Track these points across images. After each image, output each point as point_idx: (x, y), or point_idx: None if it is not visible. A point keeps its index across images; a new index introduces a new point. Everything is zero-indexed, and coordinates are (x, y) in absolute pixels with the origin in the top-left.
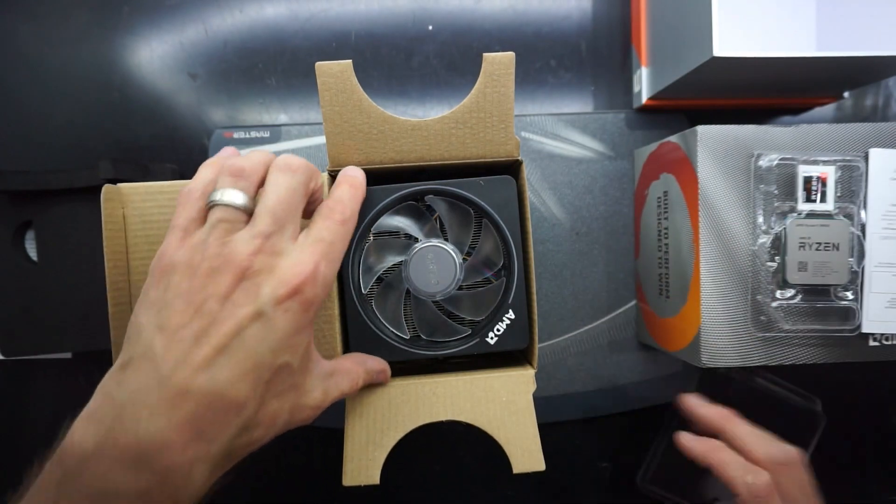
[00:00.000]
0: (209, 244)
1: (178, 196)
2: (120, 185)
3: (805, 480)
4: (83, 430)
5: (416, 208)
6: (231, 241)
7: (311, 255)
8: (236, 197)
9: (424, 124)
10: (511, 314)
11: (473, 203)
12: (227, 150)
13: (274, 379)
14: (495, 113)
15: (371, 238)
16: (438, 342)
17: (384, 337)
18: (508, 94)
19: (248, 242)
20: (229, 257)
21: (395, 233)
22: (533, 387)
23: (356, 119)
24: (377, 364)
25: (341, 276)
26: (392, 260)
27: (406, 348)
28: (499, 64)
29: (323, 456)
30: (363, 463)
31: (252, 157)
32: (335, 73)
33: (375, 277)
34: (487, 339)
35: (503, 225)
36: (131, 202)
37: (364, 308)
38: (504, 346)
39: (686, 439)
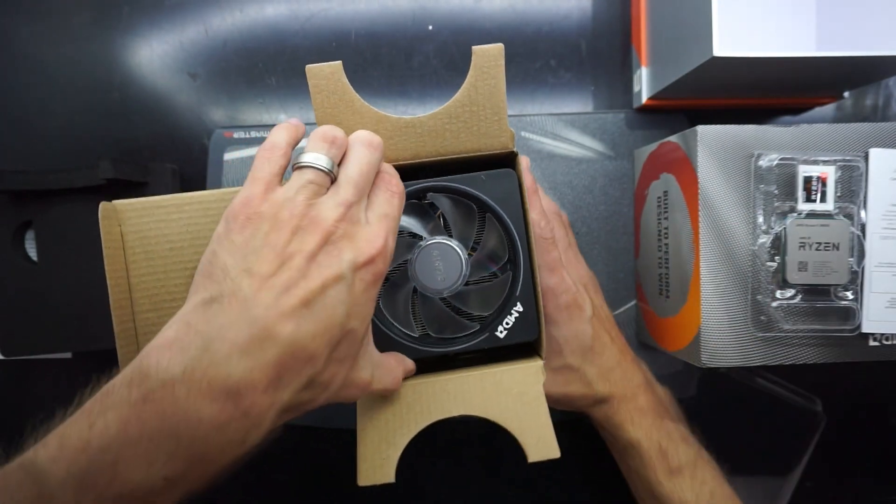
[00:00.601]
0: (297, 202)
1: (260, 150)
2: (115, 202)
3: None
4: (167, 357)
5: (420, 206)
6: (318, 204)
7: (381, 228)
8: (327, 162)
9: (418, 121)
10: (519, 307)
11: (476, 198)
12: (295, 121)
13: (342, 342)
14: (488, 105)
15: None
16: (448, 339)
17: (394, 336)
18: (499, 86)
19: (334, 209)
20: (316, 220)
21: (399, 232)
22: (543, 377)
23: (349, 119)
24: (411, 365)
25: None
26: (397, 259)
27: (416, 346)
28: (488, 56)
29: (325, 456)
30: (377, 462)
31: (337, 130)
32: (326, 74)
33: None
34: (497, 333)
35: (506, 218)
36: (127, 219)
37: None
38: (514, 339)
39: None
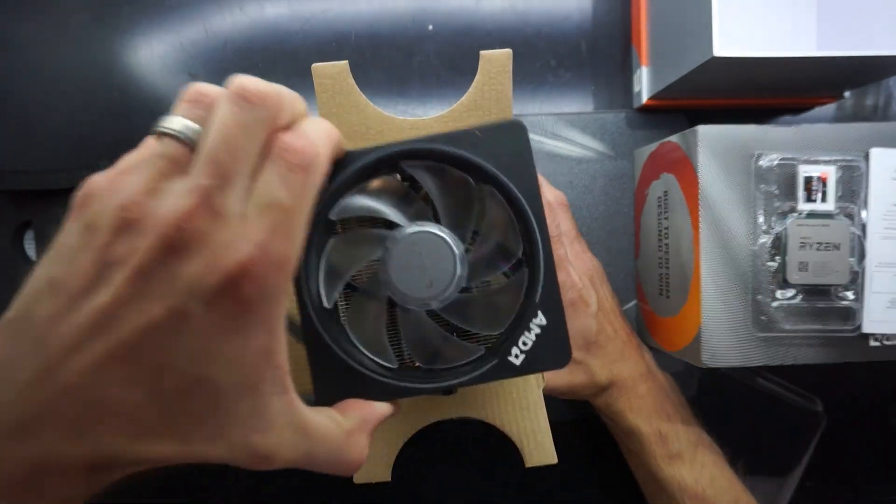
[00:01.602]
0: (134, 184)
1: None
2: None
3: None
4: None
5: (393, 184)
6: (161, 191)
7: (259, 226)
8: (184, 127)
9: (423, 123)
10: (541, 318)
11: (472, 166)
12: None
13: (187, 396)
14: (493, 110)
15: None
16: (441, 371)
17: (361, 369)
18: (506, 91)
19: (181, 198)
20: (153, 214)
21: (366, 219)
22: (543, 382)
23: (353, 120)
24: (382, 413)
25: (296, 286)
26: (365, 258)
27: (394, 382)
28: (496, 62)
29: None
30: (374, 460)
31: (209, 86)
32: (332, 74)
33: (343, 284)
34: (511, 359)
35: (518, 193)
36: None
37: (329, 329)
38: (536, 367)
39: None
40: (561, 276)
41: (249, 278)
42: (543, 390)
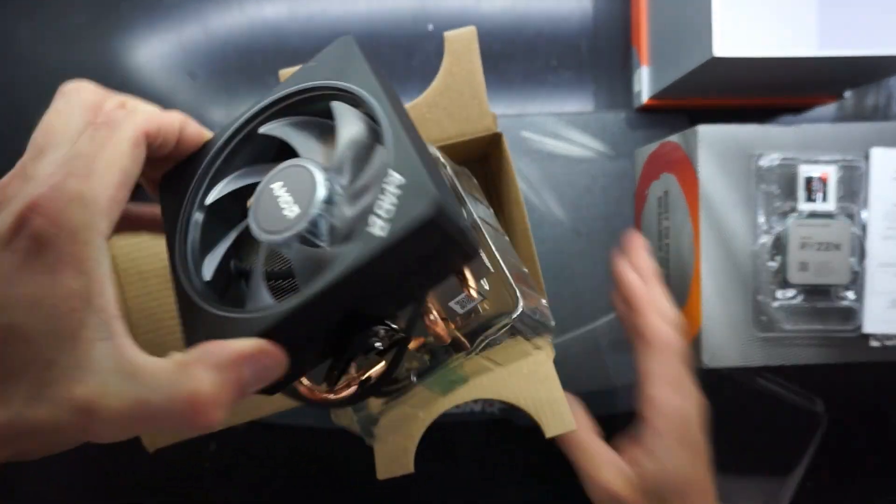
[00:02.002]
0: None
1: None
2: None
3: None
4: None
5: (254, 151)
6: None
7: (50, 175)
8: None
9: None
10: (397, 177)
11: (314, 92)
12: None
13: None
14: (466, 90)
15: (204, 215)
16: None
17: (210, 309)
18: (476, 69)
19: (6, 175)
20: None
21: (238, 193)
22: (552, 353)
23: None
24: (244, 348)
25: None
26: (237, 221)
27: (255, 316)
28: (461, 40)
29: (325, 456)
30: (395, 454)
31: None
32: None
33: (221, 253)
34: (372, 230)
35: (367, 95)
36: (116, 242)
37: (193, 284)
38: (404, 226)
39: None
40: (678, 400)
41: (39, 213)
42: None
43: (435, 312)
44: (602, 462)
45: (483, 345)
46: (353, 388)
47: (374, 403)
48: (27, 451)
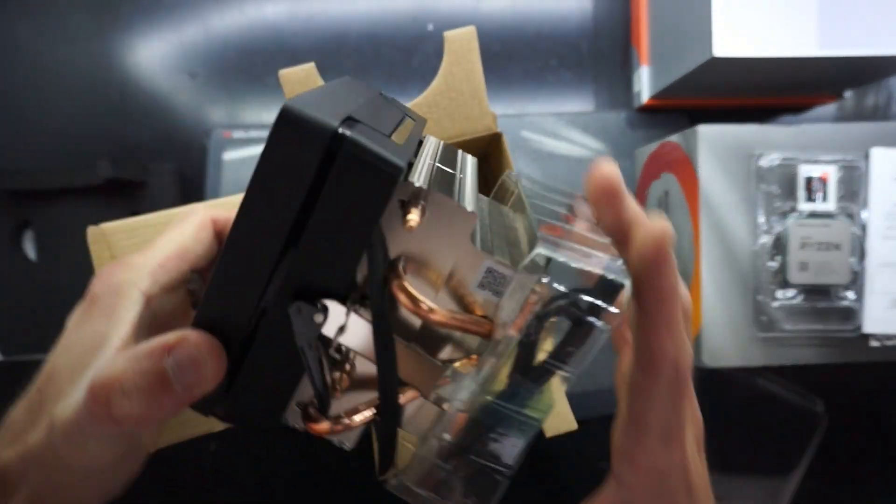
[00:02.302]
0: None
1: None
2: (103, 226)
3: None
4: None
5: None
6: None
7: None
8: None
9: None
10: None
11: None
12: None
13: None
14: (466, 90)
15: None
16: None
17: None
18: (475, 69)
19: None
20: None
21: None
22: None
23: None
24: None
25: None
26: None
27: None
28: (461, 40)
29: (326, 456)
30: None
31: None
32: (300, 79)
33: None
34: None
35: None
36: (117, 242)
37: None
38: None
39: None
40: (671, 456)
41: (98, 277)
42: None
43: (407, 283)
44: None
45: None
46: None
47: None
48: (71, 464)
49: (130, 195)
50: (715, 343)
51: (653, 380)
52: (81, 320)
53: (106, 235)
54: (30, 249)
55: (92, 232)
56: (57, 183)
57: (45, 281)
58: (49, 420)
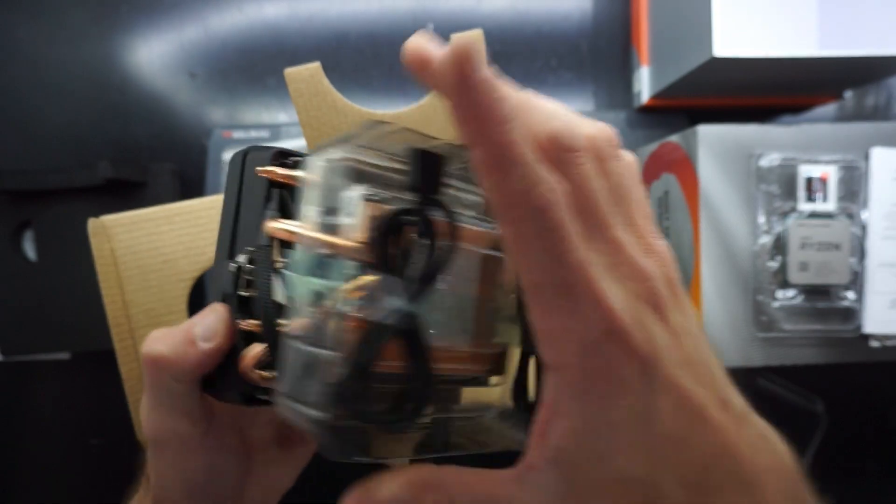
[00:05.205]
0: None
1: None
2: (104, 218)
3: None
4: None
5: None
6: None
7: None
8: None
9: (405, 114)
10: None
11: None
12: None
13: None
14: None
15: None
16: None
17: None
18: None
19: None
20: None
21: None
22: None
23: (334, 120)
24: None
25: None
26: None
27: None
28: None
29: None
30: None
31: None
32: (305, 78)
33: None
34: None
35: None
36: (117, 235)
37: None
38: None
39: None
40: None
41: None
42: None
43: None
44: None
45: None
46: None
47: None
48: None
49: (130, 195)
50: (714, 343)
51: (508, 227)
52: None
53: (107, 228)
54: (30, 249)
55: (93, 224)
56: (57, 183)
57: (45, 281)
58: None
